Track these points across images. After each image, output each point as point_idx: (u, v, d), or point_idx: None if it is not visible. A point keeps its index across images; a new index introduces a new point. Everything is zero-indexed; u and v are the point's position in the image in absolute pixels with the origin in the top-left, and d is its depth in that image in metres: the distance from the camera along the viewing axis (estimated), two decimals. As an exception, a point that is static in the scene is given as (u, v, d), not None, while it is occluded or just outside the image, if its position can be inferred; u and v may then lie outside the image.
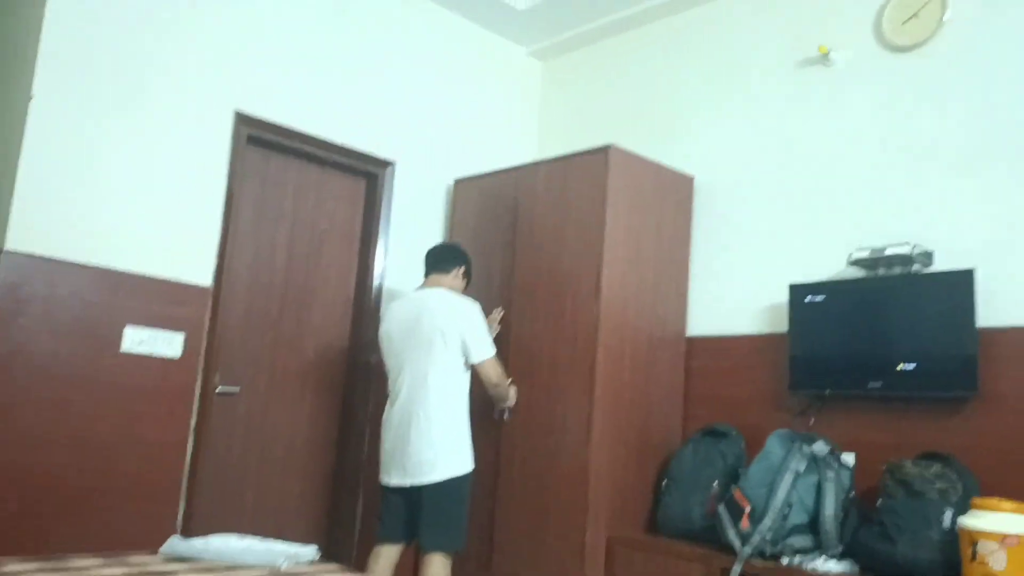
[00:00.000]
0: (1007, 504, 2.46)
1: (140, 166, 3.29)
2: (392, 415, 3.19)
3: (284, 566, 2.18)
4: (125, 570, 2.02)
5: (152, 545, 2.40)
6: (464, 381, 3.20)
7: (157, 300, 3.28)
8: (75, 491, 3.05)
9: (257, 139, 3.68)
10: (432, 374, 3.09)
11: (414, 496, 3.10)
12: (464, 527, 3.15)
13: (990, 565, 2.40)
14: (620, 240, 3.54)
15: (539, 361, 3.61)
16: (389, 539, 3.17)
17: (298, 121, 3.76)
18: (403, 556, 3.24)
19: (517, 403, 3.59)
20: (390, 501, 3.18)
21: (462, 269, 3.36)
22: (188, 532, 3.28)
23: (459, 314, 3.15)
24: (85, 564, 2.06)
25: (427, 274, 3.32)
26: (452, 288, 3.28)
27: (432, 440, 3.06)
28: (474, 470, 3.18)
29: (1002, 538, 2.40)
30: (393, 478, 3.14)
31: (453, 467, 3.09)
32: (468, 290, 3.44)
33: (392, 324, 3.26)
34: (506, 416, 3.65)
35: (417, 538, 3.13)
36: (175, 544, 2.27)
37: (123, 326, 3.19)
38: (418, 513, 3.09)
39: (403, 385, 3.15)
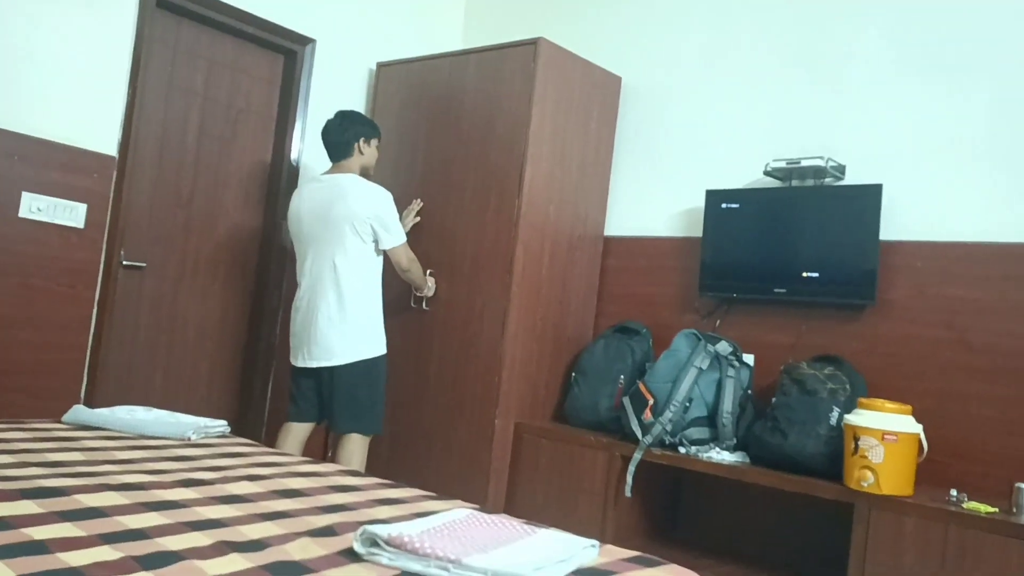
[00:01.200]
0: (889, 405, 2.64)
1: (41, 23, 3.04)
2: (300, 297, 3.19)
3: (193, 437, 2.16)
4: (26, 434, 1.97)
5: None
6: (375, 266, 3.18)
7: (57, 167, 3.10)
8: (-33, 363, 2.93)
9: (168, 3, 3.44)
10: (340, 258, 3.07)
11: (324, 378, 3.12)
12: (380, 411, 3.19)
13: (870, 458, 2.59)
14: (546, 137, 3.51)
15: (461, 254, 3.61)
16: (298, 418, 3.20)
17: (214, -13, 3.53)
18: (313, 435, 3.27)
19: (437, 293, 3.61)
20: (300, 383, 3.20)
21: (362, 142, 3.22)
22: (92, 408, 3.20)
23: (371, 200, 3.10)
24: (-18, 429, 1.99)
25: (332, 160, 3.23)
26: (363, 166, 3.24)
27: (337, 322, 3.07)
28: (386, 355, 3.20)
29: (882, 435, 2.58)
30: (300, 360, 3.16)
31: (361, 350, 3.10)
32: (390, 179, 3.38)
33: (303, 206, 3.19)
34: (424, 305, 3.65)
35: (328, 420, 3.17)
36: (79, 412, 2.21)
37: (19, 192, 3.01)
38: (329, 396, 3.12)
39: (311, 268, 3.14)
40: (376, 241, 3.12)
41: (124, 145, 3.30)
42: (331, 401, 3.12)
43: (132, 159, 3.35)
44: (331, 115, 3.25)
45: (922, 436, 2.62)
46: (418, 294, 3.60)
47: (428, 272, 3.53)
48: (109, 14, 3.23)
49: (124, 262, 3.40)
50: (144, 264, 3.50)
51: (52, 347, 3.13)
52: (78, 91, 3.16)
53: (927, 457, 2.64)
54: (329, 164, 3.26)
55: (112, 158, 3.26)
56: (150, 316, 3.57)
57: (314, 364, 3.11)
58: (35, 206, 3.05)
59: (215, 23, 3.64)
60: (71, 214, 3.14)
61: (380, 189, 3.16)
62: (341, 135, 3.19)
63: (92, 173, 3.19)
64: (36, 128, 3.05)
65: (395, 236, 3.16)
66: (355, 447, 3.13)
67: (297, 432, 3.20)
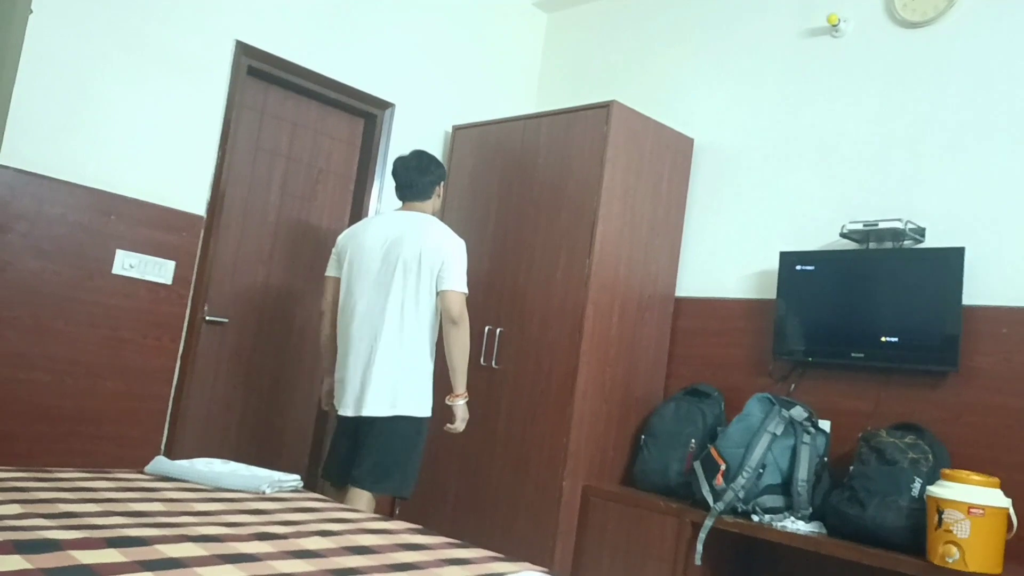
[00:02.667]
0: (976, 477, 2.52)
1: (138, 88, 3.25)
2: (350, 336, 2.94)
3: (267, 491, 2.21)
4: (111, 483, 2.04)
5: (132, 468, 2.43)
6: (434, 315, 2.95)
7: (149, 225, 3.27)
8: (58, 413, 3.06)
9: (257, 71, 3.63)
10: (410, 300, 2.88)
11: (363, 429, 2.91)
12: (415, 475, 2.96)
13: (954, 532, 2.47)
14: (617, 197, 3.54)
15: (530, 313, 3.64)
16: (340, 480, 2.99)
17: (300, 56, 3.72)
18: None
19: (507, 351, 3.60)
20: (342, 435, 3.01)
21: (440, 186, 3.12)
22: (171, 458, 3.30)
23: (447, 241, 2.94)
24: (70, 476, 2.08)
25: (406, 199, 3.07)
26: (435, 211, 3.11)
27: (399, 369, 2.87)
28: (430, 418, 2.99)
29: (968, 508, 2.47)
30: (345, 407, 2.92)
31: (414, 406, 2.90)
32: (464, 232, 3.41)
33: (368, 234, 2.99)
34: (449, 429, 3.05)
35: (353, 473, 2.90)
36: (161, 463, 2.29)
37: (114, 249, 3.18)
38: (361, 448, 2.89)
39: (365, 305, 2.92)
40: (438, 282, 2.90)
41: (212, 205, 3.45)
42: (363, 454, 2.88)
43: (219, 218, 3.50)
44: (400, 156, 3.11)
45: (1011, 511, 2.49)
46: (450, 427, 3.03)
47: (464, 399, 3.00)
48: (203, 82, 3.43)
49: (207, 317, 3.53)
50: (226, 319, 3.63)
51: (136, 397, 3.26)
52: (172, 153, 3.35)
53: (1017, 534, 2.51)
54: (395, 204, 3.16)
55: (200, 217, 3.42)
56: (229, 370, 3.68)
57: (365, 413, 2.86)
58: (128, 263, 3.21)
59: (300, 88, 3.82)
60: (160, 270, 3.29)
61: (457, 236, 3.01)
62: (422, 176, 3.04)
63: (181, 231, 3.35)
64: (131, 188, 3.23)
65: (458, 281, 2.91)
66: (363, 504, 2.82)
67: (337, 495, 2.94)
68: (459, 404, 2.99)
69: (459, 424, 3.01)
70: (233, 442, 3.69)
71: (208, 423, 3.61)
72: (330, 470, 3.07)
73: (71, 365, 3.09)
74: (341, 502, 2.79)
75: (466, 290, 2.95)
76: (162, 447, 3.34)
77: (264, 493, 2.21)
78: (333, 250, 3.13)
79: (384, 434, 2.88)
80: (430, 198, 3.09)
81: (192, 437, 3.50)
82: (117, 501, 1.87)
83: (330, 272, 3.13)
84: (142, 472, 2.30)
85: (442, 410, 3.01)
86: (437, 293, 2.92)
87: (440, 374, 2.99)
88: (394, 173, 3.10)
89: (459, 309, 2.91)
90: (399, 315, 2.89)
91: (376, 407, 2.87)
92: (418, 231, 2.94)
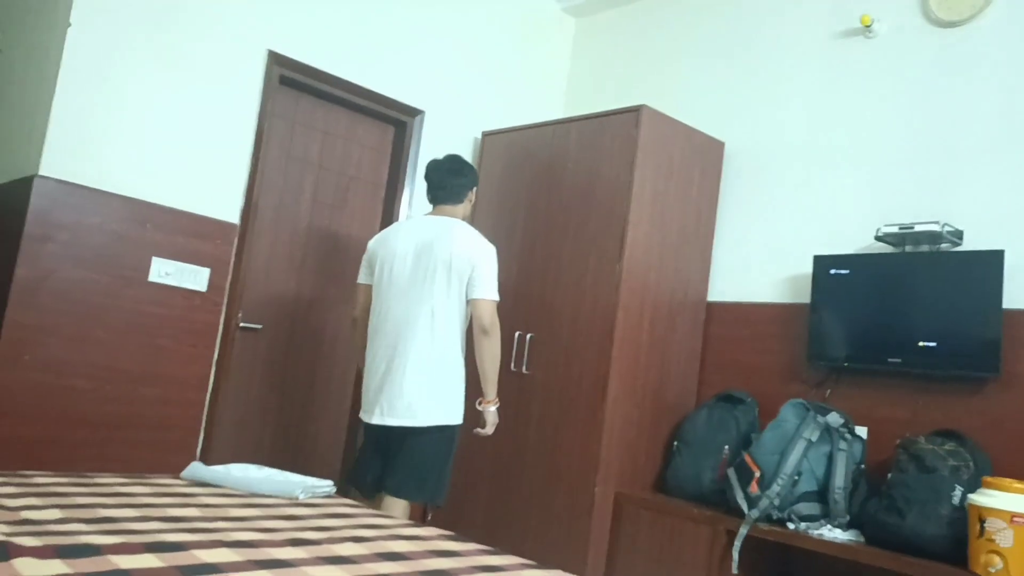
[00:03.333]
0: (1019, 485, 2.47)
1: (173, 99, 3.30)
2: (381, 344, 2.92)
3: (301, 497, 2.23)
4: (148, 489, 2.07)
5: (169, 473, 2.46)
6: (464, 321, 2.93)
7: (184, 234, 3.31)
8: (97, 418, 3.12)
9: (289, 80, 3.67)
10: (441, 306, 2.85)
11: (395, 438, 2.88)
12: (446, 482, 2.94)
13: (997, 542, 2.42)
14: (647, 202, 3.53)
15: (559, 319, 3.63)
16: (372, 491, 2.96)
17: (330, 65, 3.75)
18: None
19: (538, 358, 3.60)
20: (371, 444, 2.98)
21: (472, 191, 3.09)
22: (206, 464, 3.33)
23: (477, 246, 2.91)
24: (109, 481, 2.11)
25: (437, 202, 3.04)
26: (466, 216, 3.08)
27: (430, 377, 2.84)
28: (462, 424, 2.96)
29: (1011, 517, 2.42)
30: (376, 415, 2.87)
31: (445, 414, 2.87)
32: (493, 239, 3.42)
33: (400, 239, 2.96)
34: (479, 433, 3.06)
35: (387, 481, 2.88)
36: (197, 469, 2.32)
37: (150, 257, 3.23)
38: (395, 457, 2.88)
39: (401, 313, 2.88)
40: (469, 289, 2.88)
41: (245, 213, 3.50)
42: (397, 463, 2.86)
43: (252, 226, 3.54)
44: (434, 159, 3.12)
45: (1056, 521, 2.43)
46: (480, 431, 3.02)
47: (495, 405, 3.01)
48: (236, 92, 3.47)
49: (241, 324, 3.57)
50: (260, 326, 3.67)
51: (173, 403, 3.30)
52: (206, 162, 3.39)
53: (1063, 544, 2.45)
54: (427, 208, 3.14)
55: (234, 225, 3.46)
56: (263, 376, 3.72)
57: (394, 422, 2.83)
58: (164, 271, 3.25)
59: (331, 96, 3.85)
60: (195, 278, 3.33)
61: (488, 241, 2.99)
62: (455, 179, 3.02)
63: (216, 239, 3.39)
64: (167, 197, 3.28)
65: (489, 288, 2.88)
66: (398, 512, 2.83)
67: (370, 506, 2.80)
68: (490, 411, 2.98)
69: (489, 429, 3.00)
70: (267, 447, 3.72)
71: (243, 429, 3.65)
72: (359, 479, 3.03)
73: (110, 372, 3.14)
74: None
75: (497, 297, 2.92)
76: (198, 452, 3.38)
77: (298, 499, 2.22)
78: (364, 256, 3.13)
79: (418, 444, 2.86)
80: (462, 202, 3.06)
81: (227, 442, 3.54)
82: (154, 506, 1.89)
83: (361, 279, 3.12)
84: (178, 477, 2.33)
85: (472, 414, 3.01)
86: (467, 300, 2.90)
87: (471, 378, 2.99)
88: (427, 175, 3.07)
89: (490, 318, 2.88)
90: (430, 322, 2.86)
91: (407, 417, 2.84)
92: (448, 236, 2.90)
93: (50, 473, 2.14)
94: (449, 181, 3.02)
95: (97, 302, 3.11)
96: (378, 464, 2.96)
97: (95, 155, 3.11)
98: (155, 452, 3.24)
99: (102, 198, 3.12)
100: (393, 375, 2.86)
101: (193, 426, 3.37)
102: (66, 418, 3.05)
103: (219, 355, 3.43)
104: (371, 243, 3.11)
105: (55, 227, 3.02)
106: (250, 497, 2.17)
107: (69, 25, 3.04)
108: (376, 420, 2.89)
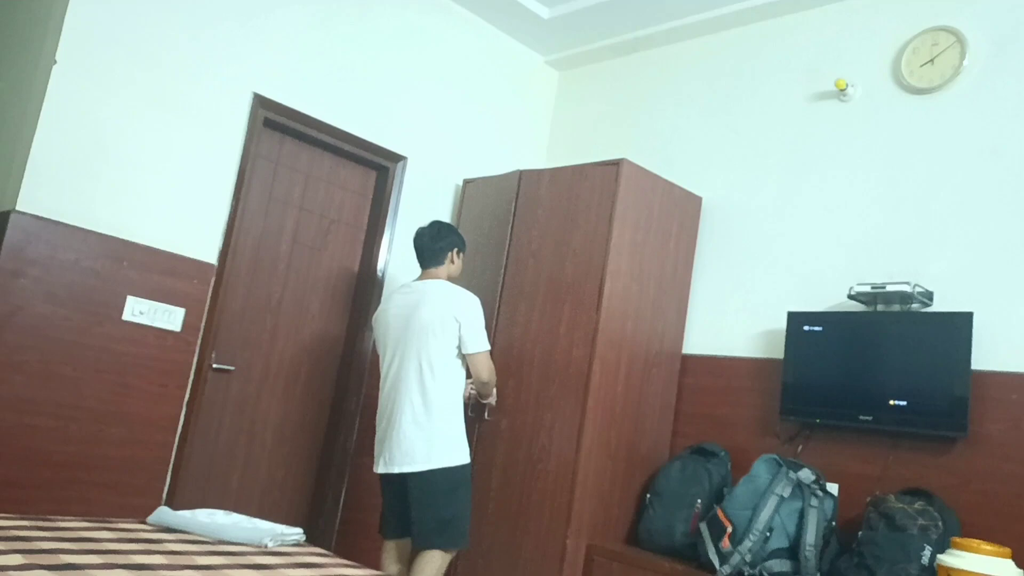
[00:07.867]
0: (987, 546, 2.49)
1: (155, 139, 3.31)
2: (384, 400, 3.17)
3: (270, 545, 2.19)
4: (113, 534, 2.03)
5: (134, 517, 2.41)
6: (460, 372, 3.16)
7: (161, 272, 3.29)
8: (61, 459, 3.05)
9: (273, 123, 3.70)
10: (427, 360, 3.07)
11: (406, 486, 3.06)
12: (463, 524, 3.09)
13: (966, 604, 2.43)
14: (625, 253, 3.56)
15: (530, 366, 3.62)
16: (389, 534, 3.18)
17: (315, 109, 3.78)
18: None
19: (500, 403, 3.60)
20: (385, 494, 3.18)
21: (454, 252, 3.32)
22: (172, 507, 3.27)
23: (458, 301, 3.14)
24: (72, 526, 2.07)
25: (423, 267, 3.29)
26: (451, 276, 3.30)
27: (423, 425, 3.03)
28: (470, 464, 3.14)
29: (979, 579, 2.43)
30: (381, 465, 3.10)
31: (443, 457, 3.04)
32: (471, 285, 3.45)
33: (391, 311, 3.23)
34: (487, 415, 3.64)
35: (413, 536, 3.07)
36: (164, 513, 2.27)
37: (124, 295, 3.20)
38: (411, 508, 3.04)
39: (396, 371, 3.13)
40: (460, 345, 3.12)
41: (224, 253, 3.48)
42: (414, 515, 3.03)
43: (230, 266, 3.53)
44: (419, 226, 3.34)
45: (1024, 583, 2.45)
46: (483, 401, 3.51)
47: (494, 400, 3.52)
48: (220, 132, 3.48)
49: (214, 365, 3.53)
50: (232, 367, 3.64)
51: (140, 444, 3.24)
52: (186, 202, 3.39)
53: (1030, 607, 2.46)
54: (416, 273, 3.34)
55: (212, 265, 3.45)
56: (233, 418, 3.67)
57: (395, 470, 3.03)
58: (138, 309, 3.22)
59: (314, 140, 3.88)
60: (170, 318, 3.31)
61: (469, 293, 3.20)
62: (435, 243, 3.26)
63: (192, 279, 3.37)
64: (145, 236, 3.27)
65: (479, 341, 3.13)
66: (432, 562, 2.99)
67: (391, 551, 3.17)
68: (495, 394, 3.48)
69: (491, 400, 3.50)
70: (235, 492, 3.66)
71: (210, 472, 3.59)
72: (381, 525, 3.25)
73: (76, 411, 3.09)
74: (398, 554, 3.16)
75: (488, 347, 3.19)
76: (163, 496, 3.31)
77: (267, 547, 2.19)
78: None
79: (426, 489, 3.02)
80: (443, 264, 3.28)
81: (193, 486, 3.47)
82: (119, 553, 1.85)
83: (378, 351, 3.33)
84: (144, 522, 2.28)
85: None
86: (462, 356, 3.14)
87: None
88: (413, 243, 3.32)
89: (488, 372, 3.20)
90: (418, 377, 3.08)
91: (407, 463, 3.03)
92: (431, 296, 3.14)
93: (12, 516, 2.09)
94: (430, 246, 3.27)
95: (67, 339, 3.07)
96: (395, 511, 3.13)
97: (75, 192, 3.10)
98: (120, 495, 3.17)
99: (79, 234, 3.09)
100: (392, 427, 3.08)
101: (160, 468, 3.31)
102: (29, 458, 2.98)
103: (190, 396, 3.39)
104: (373, 318, 3.40)
105: (28, 262, 2.99)
106: (217, 544, 2.14)
107: (55, 63, 3.04)
108: (382, 469, 3.10)
